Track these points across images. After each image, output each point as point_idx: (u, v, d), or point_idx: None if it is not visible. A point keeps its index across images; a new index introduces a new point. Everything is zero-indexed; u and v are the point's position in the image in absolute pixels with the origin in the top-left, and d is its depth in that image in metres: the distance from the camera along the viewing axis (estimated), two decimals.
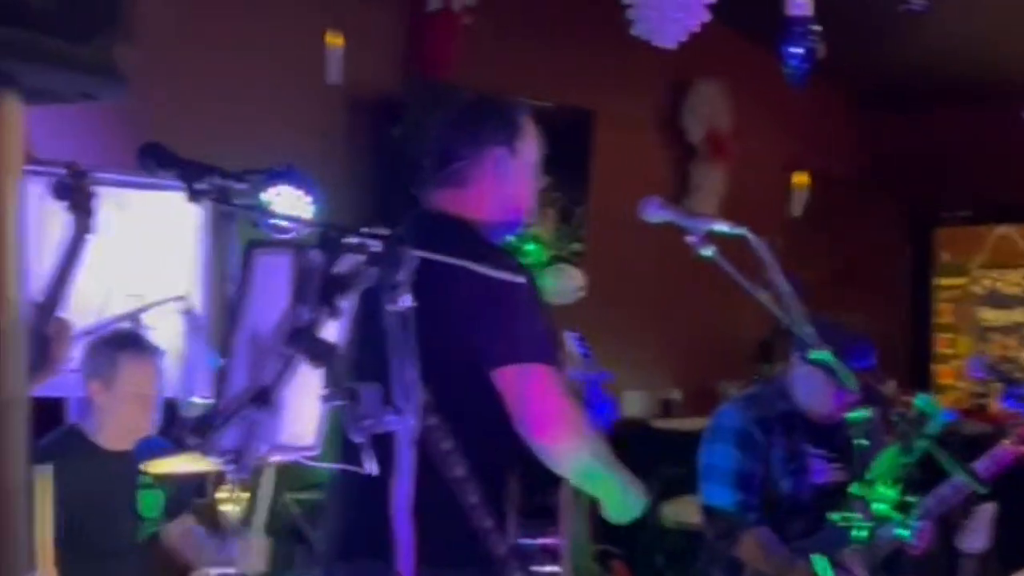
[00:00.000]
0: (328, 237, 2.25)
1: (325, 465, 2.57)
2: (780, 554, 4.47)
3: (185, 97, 5.74)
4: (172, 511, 4.72)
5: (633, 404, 8.54)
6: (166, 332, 4.62)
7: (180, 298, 4.57)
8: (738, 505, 4.57)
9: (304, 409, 2.32)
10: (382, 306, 2.31)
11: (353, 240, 2.29)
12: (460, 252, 2.65)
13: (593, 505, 3.51)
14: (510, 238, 3.68)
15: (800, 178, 8.02)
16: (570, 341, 4.82)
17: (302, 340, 2.22)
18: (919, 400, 3.64)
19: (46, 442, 4.45)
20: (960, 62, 9.06)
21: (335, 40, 6.18)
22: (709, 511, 4.67)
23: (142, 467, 4.18)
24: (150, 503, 4.63)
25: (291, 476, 5.97)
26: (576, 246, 7.02)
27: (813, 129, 9.56)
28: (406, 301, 2.31)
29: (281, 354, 2.20)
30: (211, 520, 4.43)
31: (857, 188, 10.03)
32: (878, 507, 3.37)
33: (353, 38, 6.40)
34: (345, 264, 2.28)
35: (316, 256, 2.23)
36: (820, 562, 3.18)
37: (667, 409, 8.83)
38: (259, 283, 2.20)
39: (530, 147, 3.56)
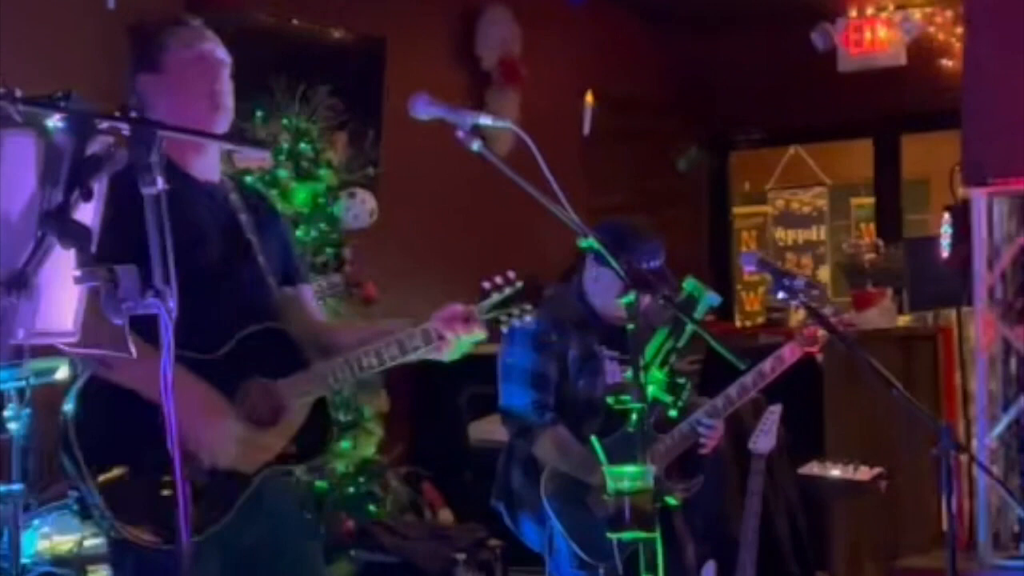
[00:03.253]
0: (76, 119, 2.24)
1: (81, 351, 2.55)
2: (577, 452, 4.50)
3: None
4: None
5: None
6: None
7: None
8: (533, 404, 4.61)
9: (62, 294, 2.30)
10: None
11: (103, 123, 2.28)
12: None
13: None
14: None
15: (588, 98, 8.09)
16: None
17: (54, 222, 2.21)
18: (687, 284, 3.73)
19: None
20: None
21: None
22: (506, 411, 4.72)
23: None
24: None
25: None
26: (370, 171, 6.99)
27: (607, 51, 9.60)
28: (159, 183, 2.31)
29: (33, 237, 2.19)
30: None
31: (652, 110, 10.14)
32: (649, 389, 3.45)
33: None
34: (96, 146, 2.27)
35: (63, 137, 2.22)
36: (594, 444, 3.26)
37: None
38: (6, 164, 2.18)
39: (181, 56, 3.48)
